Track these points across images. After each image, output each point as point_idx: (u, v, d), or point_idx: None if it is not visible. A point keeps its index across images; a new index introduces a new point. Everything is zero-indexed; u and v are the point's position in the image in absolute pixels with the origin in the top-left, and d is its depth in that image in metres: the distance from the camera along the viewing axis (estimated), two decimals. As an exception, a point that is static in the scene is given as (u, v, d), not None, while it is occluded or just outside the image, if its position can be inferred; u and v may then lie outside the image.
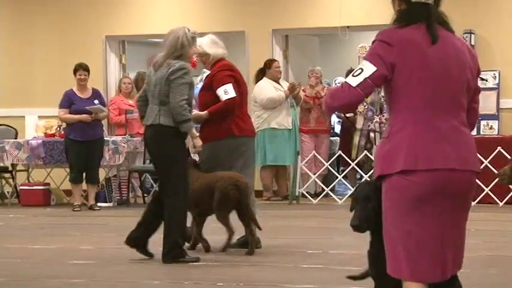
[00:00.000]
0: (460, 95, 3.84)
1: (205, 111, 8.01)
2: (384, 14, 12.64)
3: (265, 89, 12.60)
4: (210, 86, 8.07)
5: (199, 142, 7.58)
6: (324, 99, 3.88)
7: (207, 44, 8.33)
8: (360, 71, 3.75)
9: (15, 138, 13.02)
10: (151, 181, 13.60)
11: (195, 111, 8.12)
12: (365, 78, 3.73)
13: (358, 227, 3.99)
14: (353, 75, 3.76)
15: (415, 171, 3.71)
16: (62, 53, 13.99)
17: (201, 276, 6.85)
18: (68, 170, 12.50)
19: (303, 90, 13.07)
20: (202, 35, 15.92)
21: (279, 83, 12.79)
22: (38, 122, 13.01)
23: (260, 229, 7.79)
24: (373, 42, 3.83)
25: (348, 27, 13.06)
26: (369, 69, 3.74)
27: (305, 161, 12.65)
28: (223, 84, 7.93)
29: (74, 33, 14.04)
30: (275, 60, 12.96)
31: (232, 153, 8.00)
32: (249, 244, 7.75)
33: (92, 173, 12.03)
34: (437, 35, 3.79)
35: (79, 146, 11.79)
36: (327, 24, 13.29)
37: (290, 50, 13.88)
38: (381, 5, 13.04)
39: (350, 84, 3.74)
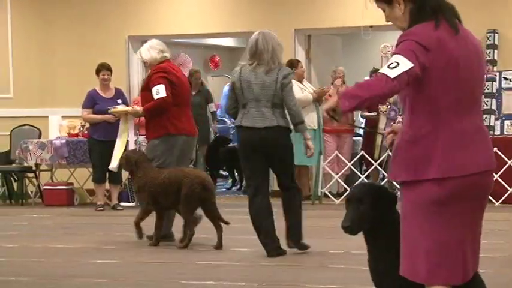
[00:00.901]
0: (480, 92, 3.82)
1: (141, 107, 8.88)
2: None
3: (295, 88, 12.53)
4: (148, 86, 8.71)
5: (310, 144, 8.24)
6: (348, 92, 3.58)
7: (143, 51, 8.85)
8: (395, 64, 3.58)
9: (39, 138, 13.09)
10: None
11: (135, 107, 9.29)
12: (403, 72, 3.56)
13: (349, 228, 3.90)
14: (389, 67, 3.58)
15: (447, 178, 3.68)
16: (84, 53, 14.05)
17: (223, 276, 6.85)
18: (91, 169, 12.55)
19: (327, 90, 13.03)
20: (224, 35, 16.11)
21: (302, 83, 12.76)
22: (62, 122, 13.07)
23: (227, 223, 8.29)
24: (403, 41, 3.67)
25: (370, 26, 13.02)
26: (406, 64, 3.58)
27: (327, 161, 12.62)
28: (156, 85, 8.51)
29: (96, 33, 14.09)
30: (299, 61, 12.93)
31: (171, 151, 8.51)
32: (217, 239, 8.30)
33: (115, 173, 12.06)
34: (458, 27, 3.75)
35: (102, 145, 11.82)
36: (350, 24, 13.26)
37: (312, 50, 13.86)
38: (403, 5, 13.04)
39: (388, 76, 3.56)
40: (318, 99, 12.56)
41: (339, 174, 12.67)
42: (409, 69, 3.59)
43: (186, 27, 14.03)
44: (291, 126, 7.92)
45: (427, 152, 3.68)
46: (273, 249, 7.73)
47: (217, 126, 15.05)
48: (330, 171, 12.65)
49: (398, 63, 3.58)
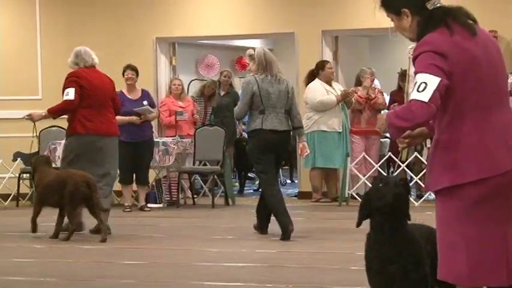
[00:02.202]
0: (506, 83, 3.81)
1: (45, 110, 9.66)
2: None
3: (316, 91, 12.54)
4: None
5: (306, 145, 9.59)
6: (387, 121, 3.64)
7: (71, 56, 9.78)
8: (424, 85, 3.59)
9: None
10: (201, 182, 13.65)
11: (37, 111, 10.04)
12: (434, 91, 3.58)
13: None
14: (418, 91, 3.59)
15: (485, 178, 3.65)
16: (112, 54, 14.09)
17: (249, 277, 6.85)
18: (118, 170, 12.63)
19: (353, 91, 13.00)
20: (251, 36, 16.11)
21: (331, 85, 12.73)
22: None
23: (105, 210, 9.16)
24: (420, 54, 3.68)
25: (398, 27, 12.95)
26: (434, 81, 3.59)
27: (355, 162, 12.58)
28: (66, 88, 9.39)
29: (124, 35, 14.14)
30: (328, 62, 12.90)
31: (83, 150, 9.29)
32: (101, 232, 8.98)
33: (142, 174, 12.11)
34: (474, 28, 3.72)
35: (128, 147, 11.85)
36: (377, 25, 13.15)
37: (340, 51, 13.83)
38: (431, 6, 12.96)
39: (422, 101, 3.57)
40: (343, 99, 12.51)
41: (366, 176, 12.62)
42: (438, 84, 3.60)
43: (213, 28, 14.05)
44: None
45: (462, 156, 3.67)
46: (290, 224, 8.81)
47: (243, 128, 15.02)
48: (357, 173, 12.61)
49: (426, 84, 3.60)
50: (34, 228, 9.36)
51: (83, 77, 9.43)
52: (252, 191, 14.93)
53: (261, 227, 9.32)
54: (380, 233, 4.18)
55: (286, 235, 8.77)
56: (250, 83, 8.99)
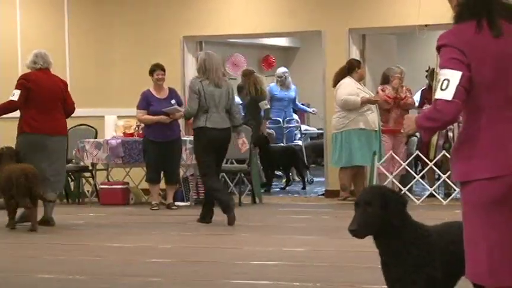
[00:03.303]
0: None
1: None
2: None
3: (347, 89, 12.46)
4: None
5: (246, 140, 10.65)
6: (417, 124, 3.65)
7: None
8: (446, 82, 3.60)
9: (95, 138, 13.22)
10: (228, 181, 13.67)
11: None
12: (457, 86, 3.59)
13: (356, 231, 3.93)
14: (442, 89, 3.60)
15: (503, 176, 3.64)
16: (140, 53, 14.16)
17: (277, 276, 6.86)
18: (145, 169, 12.71)
19: (382, 90, 12.96)
20: (278, 35, 16.09)
21: (361, 84, 12.69)
22: (117, 121, 13.19)
23: (49, 200, 9.91)
24: (438, 48, 3.71)
25: (426, 25, 12.90)
26: (455, 75, 3.60)
27: (382, 160, 12.53)
28: (15, 89, 10.06)
29: (152, 34, 14.19)
30: (360, 61, 12.86)
31: (30, 148, 9.93)
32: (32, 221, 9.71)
33: (171, 173, 12.14)
34: (500, 29, 3.70)
35: (157, 146, 11.92)
36: (405, 23, 13.16)
37: (367, 49, 13.79)
38: (459, 3, 12.89)
39: (446, 99, 3.59)
40: (368, 103, 12.45)
41: (394, 174, 12.58)
42: (460, 79, 3.61)
43: (240, 27, 14.06)
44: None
45: (477, 152, 3.67)
46: (233, 214, 9.96)
47: (267, 126, 15.02)
48: (385, 171, 12.55)
49: (448, 80, 3.61)
50: (11, 224, 9.92)
51: (31, 80, 10.08)
52: (278, 189, 14.93)
53: (204, 217, 10.33)
54: (379, 252, 4.13)
55: (232, 222, 9.95)
56: (196, 84, 10.18)
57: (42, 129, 10.02)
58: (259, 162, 13.55)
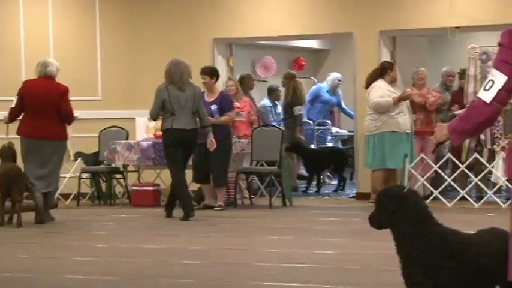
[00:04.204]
0: None
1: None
2: (495, 13, 12.38)
3: (378, 91, 12.41)
4: None
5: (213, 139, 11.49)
6: (456, 128, 3.65)
7: None
8: (491, 83, 3.60)
9: (126, 140, 13.28)
10: (258, 183, 13.68)
11: None
12: (499, 90, 3.58)
13: (370, 221, 4.28)
14: (485, 89, 3.61)
15: None
16: (171, 55, 14.15)
17: (308, 278, 6.85)
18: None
19: (409, 93, 12.91)
20: (309, 37, 16.08)
21: (393, 87, 12.64)
22: (148, 123, 13.24)
23: (19, 201, 10.30)
24: (499, 44, 3.69)
25: (457, 28, 12.84)
26: (500, 79, 3.59)
27: (413, 163, 12.47)
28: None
29: (183, 36, 14.23)
30: (393, 64, 12.81)
31: (24, 149, 10.73)
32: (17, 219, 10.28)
33: (215, 175, 12.13)
34: None
35: (201, 148, 12.03)
36: (436, 25, 13.10)
37: (398, 51, 13.74)
38: (491, 5, 12.78)
39: (484, 101, 3.59)
40: (400, 101, 12.40)
41: (425, 177, 12.51)
42: (504, 84, 3.60)
43: (271, 29, 14.07)
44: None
45: None
46: (190, 210, 10.86)
47: (301, 129, 15.05)
48: (416, 174, 12.49)
49: (493, 82, 3.60)
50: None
51: (25, 87, 10.93)
52: (306, 191, 14.95)
53: (168, 211, 11.15)
54: None
55: (186, 218, 10.80)
56: (161, 90, 11.08)
57: (33, 134, 10.72)
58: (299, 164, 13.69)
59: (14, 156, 10.57)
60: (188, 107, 11.06)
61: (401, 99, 12.40)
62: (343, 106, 16.31)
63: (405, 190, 4.22)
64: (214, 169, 12.05)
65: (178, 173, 11.07)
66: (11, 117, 10.94)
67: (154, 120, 11.56)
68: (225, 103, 12.25)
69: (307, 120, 15.91)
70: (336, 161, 14.72)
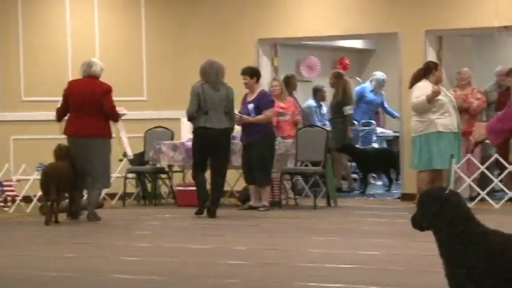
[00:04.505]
0: None
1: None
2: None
3: (417, 92, 12.32)
4: None
5: None
6: (493, 128, 3.62)
7: None
8: None
9: (172, 140, 13.35)
10: (303, 183, 13.66)
11: None
12: None
13: (412, 222, 4.25)
14: None
15: None
16: (215, 55, 14.19)
17: (353, 279, 6.83)
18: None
19: (453, 90, 12.80)
20: (354, 37, 16.02)
21: (438, 87, 12.53)
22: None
23: (56, 201, 10.74)
24: None
25: (505, 27, 12.70)
26: None
27: (459, 164, 12.35)
28: None
29: (227, 36, 14.27)
30: (437, 64, 12.70)
31: (72, 149, 11.01)
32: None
33: (256, 174, 12.16)
34: None
35: (243, 147, 12.13)
36: (483, 25, 12.97)
37: (444, 51, 13.63)
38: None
39: None
40: (433, 98, 12.24)
41: (472, 178, 12.39)
42: None
43: (315, 29, 14.04)
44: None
45: None
46: (203, 209, 11.26)
47: (351, 129, 15.01)
48: (463, 175, 12.37)
49: None
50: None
51: (68, 88, 11.26)
52: (357, 192, 14.91)
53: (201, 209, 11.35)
54: None
55: (209, 214, 11.17)
56: (196, 89, 11.32)
57: (76, 132, 11.05)
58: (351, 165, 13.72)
59: (67, 155, 10.92)
60: (221, 106, 11.29)
61: (434, 95, 12.19)
62: (386, 106, 16.24)
63: (447, 192, 4.19)
64: (255, 169, 12.06)
65: (199, 172, 11.40)
66: (58, 116, 11.30)
67: (193, 119, 11.50)
68: (262, 102, 12.24)
69: (354, 121, 15.87)
70: (387, 162, 14.64)
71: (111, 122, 11.35)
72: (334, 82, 14.78)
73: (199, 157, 11.37)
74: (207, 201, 11.28)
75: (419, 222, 4.21)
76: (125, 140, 11.97)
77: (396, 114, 16.11)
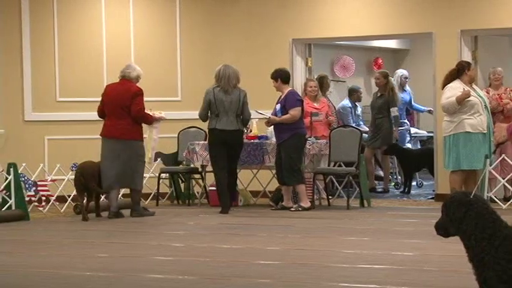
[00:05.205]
0: None
1: None
2: None
3: (447, 93, 12.23)
4: None
5: None
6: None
7: None
8: None
9: (205, 140, 13.36)
10: (336, 183, 13.63)
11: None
12: None
13: (436, 229, 4.24)
14: None
15: None
16: (249, 55, 14.26)
17: (386, 280, 6.79)
18: (254, 171, 12.86)
19: (486, 91, 12.70)
20: (389, 37, 15.96)
21: (471, 87, 12.43)
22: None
23: (102, 193, 11.73)
24: None
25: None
26: None
27: (494, 165, 12.25)
28: None
29: (261, 36, 14.28)
30: (469, 63, 12.61)
31: (103, 148, 11.55)
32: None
33: (283, 175, 12.17)
34: None
35: (277, 147, 12.16)
36: (519, 24, 12.86)
37: (479, 51, 13.53)
38: None
39: None
40: (463, 99, 12.15)
41: (506, 179, 12.28)
42: None
43: (349, 29, 14.01)
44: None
45: None
46: (227, 207, 11.81)
47: (397, 130, 14.95)
48: (497, 175, 12.28)
49: None
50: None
51: (104, 90, 11.72)
52: (397, 192, 14.88)
53: (223, 208, 11.87)
54: None
55: (223, 211, 11.77)
56: (208, 93, 11.98)
57: (106, 134, 11.50)
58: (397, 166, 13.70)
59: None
60: (232, 109, 11.87)
61: (464, 97, 12.09)
62: (413, 103, 16.18)
63: (471, 196, 4.16)
64: (284, 168, 12.07)
65: (218, 171, 11.94)
66: (98, 115, 11.73)
67: (204, 121, 12.20)
68: (287, 102, 12.23)
69: (404, 121, 15.83)
70: (431, 162, 14.58)
71: (144, 125, 11.57)
72: (382, 82, 14.65)
73: (215, 155, 11.99)
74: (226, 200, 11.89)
75: (444, 229, 4.19)
76: (153, 144, 12.02)
77: (423, 108, 16.08)
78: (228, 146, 11.91)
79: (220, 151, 11.92)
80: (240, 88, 11.99)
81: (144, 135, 11.75)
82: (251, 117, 12.26)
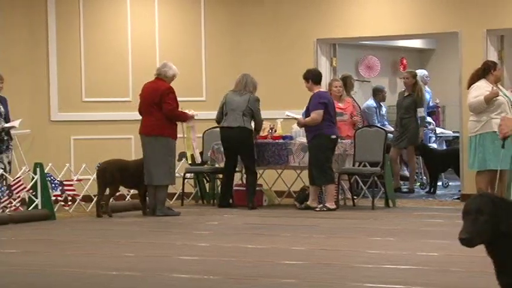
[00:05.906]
0: None
1: None
2: None
3: (474, 92, 12.16)
4: None
5: None
6: None
7: None
8: None
9: (230, 140, 13.38)
10: (361, 183, 13.60)
11: None
12: None
13: (468, 240, 3.85)
14: None
15: None
16: (274, 55, 14.26)
17: (411, 280, 6.78)
18: (279, 171, 12.86)
19: (511, 90, 12.63)
20: (414, 36, 15.90)
21: (497, 86, 12.35)
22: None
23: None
24: None
25: None
26: None
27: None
28: None
29: (286, 36, 14.27)
30: (495, 63, 12.52)
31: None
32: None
33: (311, 175, 12.17)
34: None
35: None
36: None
37: (505, 50, 13.46)
38: None
39: None
40: (491, 98, 12.07)
41: (532, 179, 12.18)
42: None
43: (374, 29, 13.97)
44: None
45: None
46: (223, 203, 12.55)
47: (423, 132, 14.90)
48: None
49: None
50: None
51: (142, 89, 11.98)
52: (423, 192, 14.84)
53: (221, 202, 12.59)
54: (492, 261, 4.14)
55: (220, 206, 12.44)
56: (224, 96, 12.58)
57: (139, 130, 11.82)
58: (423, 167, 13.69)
59: None
60: (239, 108, 12.32)
61: (492, 96, 12.01)
62: (431, 103, 16.17)
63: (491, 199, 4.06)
64: (312, 169, 12.08)
65: (225, 168, 12.55)
66: (139, 113, 12.02)
67: (218, 123, 12.68)
68: (310, 104, 12.30)
69: (429, 120, 15.79)
70: (457, 162, 14.54)
71: (179, 125, 11.90)
72: (410, 82, 14.57)
73: (224, 152, 12.53)
74: (226, 196, 12.57)
75: (470, 240, 3.89)
76: (194, 144, 12.34)
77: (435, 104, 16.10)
78: (233, 142, 12.31)
79: (227, 148, 12.40)
80: (252, 93, 12.42)
81: (179, 135, 11.93)
82: (263, 121, 12.62)
